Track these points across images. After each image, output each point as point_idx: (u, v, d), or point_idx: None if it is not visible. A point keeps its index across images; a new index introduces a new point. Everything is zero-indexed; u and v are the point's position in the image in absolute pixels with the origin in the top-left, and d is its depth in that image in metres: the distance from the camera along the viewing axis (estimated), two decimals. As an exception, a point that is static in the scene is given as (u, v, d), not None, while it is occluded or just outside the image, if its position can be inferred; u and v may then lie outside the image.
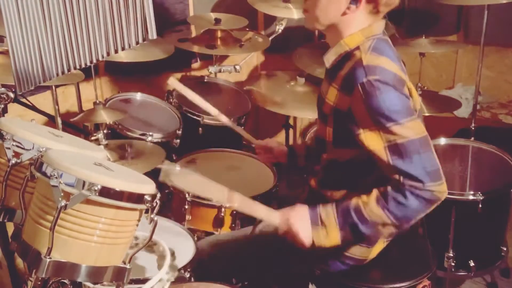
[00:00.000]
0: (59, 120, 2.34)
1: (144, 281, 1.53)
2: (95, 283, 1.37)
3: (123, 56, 2.64)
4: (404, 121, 1.54)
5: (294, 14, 2.91)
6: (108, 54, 1.52)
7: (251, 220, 2.25)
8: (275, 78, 3.12)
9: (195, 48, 2.89)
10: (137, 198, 1.26)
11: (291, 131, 3.39)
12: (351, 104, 1.59)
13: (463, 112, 3.45)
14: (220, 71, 2.91)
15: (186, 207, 2.22)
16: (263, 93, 3.01)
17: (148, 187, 1.31)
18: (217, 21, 2.91)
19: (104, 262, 1.28)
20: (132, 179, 1.32)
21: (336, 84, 1.65)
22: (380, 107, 1.53)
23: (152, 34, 1.43)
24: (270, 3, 3.00)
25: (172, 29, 3.10)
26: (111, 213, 1.25)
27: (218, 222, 2.22)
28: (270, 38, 3.00)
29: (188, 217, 2.23)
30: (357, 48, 1.63)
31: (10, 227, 1.58)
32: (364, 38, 1.64)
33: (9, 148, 1.37)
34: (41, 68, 1.65)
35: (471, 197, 2.31)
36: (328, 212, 1.63)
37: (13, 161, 1.37)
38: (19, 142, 1.38)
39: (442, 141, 2.67)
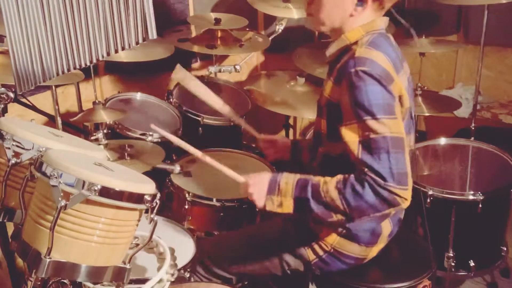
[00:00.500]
0: (59, 120, 2.34)
1: (144, 281, 1.53)
2: (95, 283, 1.37)
3: (123, 56, 2.64)
4: (382, 117, 1.53)
5: (294, 14, 2.91)
6: (108, 54, 1.52)
7: (251, 221, 2.26)
8: (275, 78, 3.12)
9: (195, 48, 2.89)
10: (137, 198, 1.26)
11: (291, 131, 3.40)
12: (340, 95, 1.60)
13: (463, 112, 3.45)
14: (220, 71, 2.91)
15: (186, 207, 2.22)
16: (263, 93, 3.01)
17: (148, 187, 1.31)
18: (217, 21, 2.91)
19: (104, 262, 1.28)
20: (132, 179, 1.32)
21: (332, 77, 1.67)
22: (361, 98, 1.54)
23: (152, 34, 1.43)
24: (270, 3, 3.00)
25: (172, 29, 3.10)
26: (111, 213, 1.25)
27: (218, 222, 2.22)
28: (270, 38, 3.00)
29: (188, 217, 2.23)
30: (356, 42, 1.64)
31: (10, 227, 1.58)
32: (364, 33, 1.64)
33: (9, 148, 1.37)
34: (41, 68, 1.65)
35: (471, 197, 2.31)
36: (288, 182, 1.65)
37: (13, 161, 1.37)
38: (19, 142, 1.38)
39: (442, 141, 2.67)
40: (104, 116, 2.19)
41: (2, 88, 1.80)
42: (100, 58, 1.54)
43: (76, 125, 2.48)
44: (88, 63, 1.56)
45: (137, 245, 1.40)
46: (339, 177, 1.59)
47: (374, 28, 1.65)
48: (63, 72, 1.62)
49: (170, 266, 1.56)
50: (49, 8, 1.56)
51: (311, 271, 1.86)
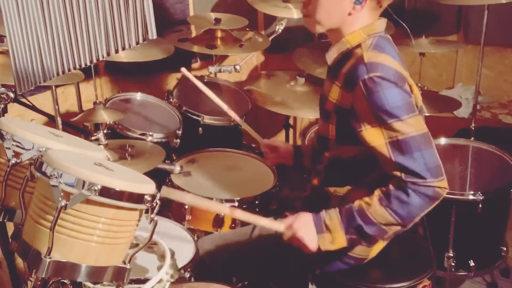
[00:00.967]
0: (59, 120, 2.34)
1: (144, 281, 1.53)
2: (95, 283, 1.37)
3: (123, 56, 2.63)
4: (406, 117, 1.54)
5: (294, 14, 2.91)
6: (108, 54, 1.52)
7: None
8: (275, 78, 3.12)
9: (195, 48, 2.89)
10: (137, 198, 1.26)
11: (291, 131, 3.39)
12: (353, 101, 1.59)
13: (463, 112, 3.45)
14: (220, 71, 2.91)
15: (186, 207, 2.22)
16: (263, 93, 3.01)
17: (148, 187, 1.31)
18: (217, 21, 2.91)
19: (104, 262, 1.28)
20: (132, 179, 1.32)
21: (338, 82, 1.66)
22: (382, 104, 1.54)
23: (152, 34, 1.43)
24: (270, 3, 3.00)
25: (172, 29, 3.09)
26: (111, 213, 1.25)
27: (218, 222, 2.22)
28: (270, 38, 3.00)
29: (188, 217, 2.23)
30: (359, 45, 1.64)
31: (10, 227, 1.58)
32: (366, 36, 1.64)
33: (9, 148, 1.37)
34: (41, 68, 1.65)
35: (471, 197, 2.31)
36: (332, 217, 1.64)
37: (13, 161, 1.37)
38: (19, 142, 1.38)
39: (442, 141, 2.67)
40: (104, 116, 2.19)
41: (2, 88, 1.80)
42: (100, 58, 1.54)
43: (76, 125, 2.48)
44: (88, 63, 1.56)
45: (137, 245, 1.40)
46: (378, 193, 1.59)
47: (374, 30, 1.65)
48: (63, 72, 1.62)
49: (170, 266, 1.56)
50: (49, 8, 1.56)
51: (311, 271, 1.85)
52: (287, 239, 1.69)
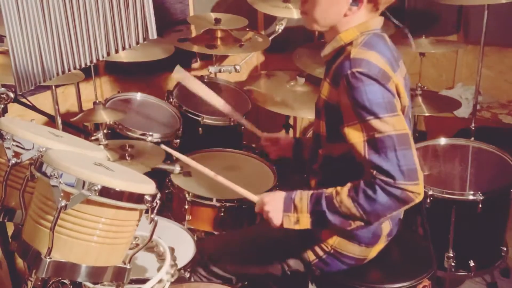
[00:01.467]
0: (59, 120, 2.34)
1: (144, 281, 1.53)
2: (95, 283, 1.37)
3: (123, 56, 2.64)
4: (385, 115, 1.54)
5: (294, 14, 2.91)
6: (108, 54, 1.52)
7: (251, 221, 2.26)
8: (275, 78, 3.12)
9: (195, 48, 2.89)
10: (137, 198, 1.26)
11: (291, 131, 3.40)
12: (338, 97, 1.60)
13: (463, 112, 3.45)
14: (220, 71, 2.91)
15: (186, 207, 2.22)
16: (263, 93, 3.01)
17: (148, 187, 1.31)
18: (217, 21, 2.92)
19: (104, 262, 1.28)
20: (132, 179, 1.32)
21: (328, 78, 1.67)
22: (362, 100, 1.54)
23: (152, 34, 1.43)
24: (270, 3, 3.00)
25: (172, 29, 3.10)
26: (111, 213, 1.25)
27: (218, 222, 2.22)
28: (270, 38, 3.00)
29: (188, 217, 2.23)
30: (351, 43, 1.64)
31: (10, 227, 1.58)
32: (359, 33, 1.65)
33: (9, 148, 1.37)
34: (41, 68, 1.65)
35: (471, 197, 2.31)
36: (303, 197, 1.65)
37: (13, 161, 1.37)
38: (19, 142, 1.38)
39: (442, 141, 2.67)
40: (104, 116, 2.19)
41: (2, 88, 1.80)
42: (100, 58, 1.54)
43: (76, 125, 2.48)
44: (88, 63, 1.57)
45: (137, 245, 1.40)
46: (350, 185, 1.59)
47: (368, 28, 1.66)
48: (63, 72, 1.62)
49: (170, 266, 1.56)
50: (49, 8, 1.56)
51: (311, 271, 1.86)
52: (257, 211, 1.72)
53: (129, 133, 2.50)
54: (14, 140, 1.38)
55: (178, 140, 2.65)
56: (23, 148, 1.38)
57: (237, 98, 3.04)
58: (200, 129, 2.73)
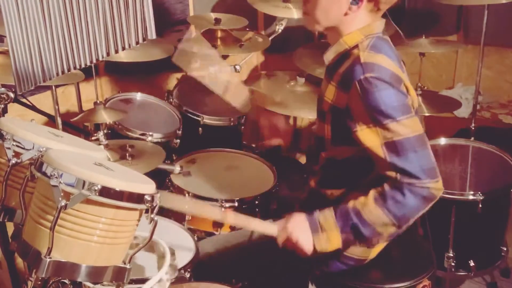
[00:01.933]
0: (59, 120, 2.34)
1: (144, 281, 1.53)
2: (95, 283, 1.37)
3: (123, 56, 2.63)
4: (401, 118, 1.54)
5: (294, 14, 2.91)
6: (108, 54, 1.52)
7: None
8: (275, 78, 3.12)
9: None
10: (137, 198, 1.26)
11: (291, 131, 3.39)
12: (349, 101, 1.59)
13: (463, 112, 3.46)
14: (220, 71, 2.91)
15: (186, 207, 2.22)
16: (263, 93, 3.01)
17: (148, 187, 1.31)
18: (217, 21, 2.91)
19: (104, 262, 1.28)
20: (132, 179, 1.32)
21: (334, 82, 1.66)
22: (377, 104, 1.54)
23: (152, 34, 1.43)
24: (270, 3, 3.00)
25: (172, 29, 3.10)
26: (111, 213, 1.25)
27: (218, 222, 2.22)
28: (270, 38, 3.00)
29: (188, 217, 2.23)
30: (356, 46, 1.64)
31: (10, 227, 1.58)
32: (363, 37, 1.64)
33: (9, 148, 1.37)
34: (41, 68, 1.65)
35: (471, 197, 2.31)
36: (327, 216, 1.63)
37: (13, 161, 1.37)
38: (19, 142, 1.38)
39: (442, 141, 2.67)
40: (104, 116, 2.19)
41: (2, 88, 1.80)
42: (100, 58, 1.54)
43: (76, 125, 2.49)
44: (88, 63, 1.56)
45: (137, 245, 1.40)
46: (374, 193, 1.58)
47: (372, 31, 1.65)
48: (63, 72, 1.62)
49: (170, 266, 1.56)
50: (49, 8, 1.56)
51: (311, 271, 1.85)
52: (281, 242, 1.67)
53: (129, 133, 2.50)
54: (14, 140, 1.38)
55: (178, 140, 2.65)
56: (23, 148, 1.38)
57: (237, 98, 3.03)
58: (200, 129, 2.73)
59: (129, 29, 1.45)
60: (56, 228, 1.21)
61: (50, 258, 1.22)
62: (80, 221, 1.23)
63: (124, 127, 2.51)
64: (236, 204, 2.21)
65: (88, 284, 1.39)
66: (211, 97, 3.01)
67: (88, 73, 2.62)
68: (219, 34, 2.95)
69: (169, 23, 3.13)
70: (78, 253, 1.25)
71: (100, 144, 2.11)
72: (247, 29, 3.09)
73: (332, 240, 1.63)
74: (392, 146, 1.55)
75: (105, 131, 2.28)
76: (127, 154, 2.20)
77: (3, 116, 1.81)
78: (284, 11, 2.94)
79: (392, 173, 1.56)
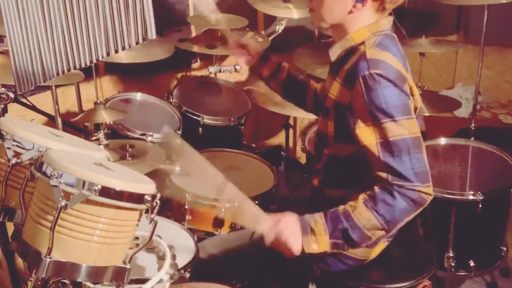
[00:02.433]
0: (59, 120, 2.34)
1: (144, 281, 1.53)
2: (95, 283, 1.37)
3: (123, 56, 2.63)
4: (400, 118, 1.54)
5: (294, 14, 2.91)
6: (108, 54, 1.52)
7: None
8: (275, 78, 3.12)
9: (195, 48, 2.89)
10: (137, 198, 1.26)
11: (291, 131, 3.39)
12: (352, 98, 1.59)
13: (463, 112, 3.46)
14: (220, 71, 2.90)
15: (186, 207, 2.22)
16: (263, 93, 3.01)
17: (148, 187, 1.31)
18: (217, 21, 2.91)
19: (104, 262, 1.28)
20: (132, 179, 1.32)
21: (339, 79, 1.66)
22: (378, 102, 1.54)
23: (152, 34, 1.43)
24: (270, 3, 3.00)
25: (172, 29, 3.09)
26: (111, 213, 1.25)
27: (218, 222, 2.22)
28: (270, 38, 3.00)
29: (188, 217, 2.23)
30: (362, 43, 1.64)
31: (10, 227, 1.57)
32: (370, 34, 1.65)
33: (9, 148, 1.37)
34: (41, 68, 1.65)
35: (471, 197, 2.31)
36: (317, 220, 1.62)
37: (13, 161, 1.37)
38: (19, 142, 1.38)
39: (442, 141, 2.67)
40: (104, 116, 2.19)
41: (2, 88, 1.80)
42: (100, 58, 1.54)
43: (76, 125, 2.48)
44: (88, 63, 1.56)
45: (137, 245, 1.40)
46: (364, 196, 1.58)
47: (379, 29, 1.66)
48: (63, 72, 1.62)
49: (170, 266, 1.56)
50: (49, 8, 1.56)
51: (311, 271, 1.85)
52: (269, 241, 1.65)
53: (129, 133, 2.50)
54: (14, 140, 1.38)
55: (178, 140, 2.65)
56: (23, 148, 1.38)
57: (237, 98, 3.04)
58: (200, 129, 2.73)
59: (129, 29, 1.45)
60: (56, 228, 1.21)
61: (50, 258, 1.22)
62: (80, 221, 1.23)
63: (124, 127, 2.51)
64: (236, 204, 2.21)
65: (88, 284, 1.39)
66: (211, 97, 3.03)
67: (88, 73, 2.62)
68: (219, 34, 2.95)
69: (169, 23, 3.13)
70: (78, 253, 1.25)
71: (100, 144, 2.11)
72: (247, 29, 3.09)
73: (320, 243, 1.61)
74: (387, 146, 1.55)
75: (105, 131, 2.28)
76: (127, 154, 2.20)
77: (3, 116, 1.81)
78: (284, 11, 2.94)
79: (383, 174, 1.55)
